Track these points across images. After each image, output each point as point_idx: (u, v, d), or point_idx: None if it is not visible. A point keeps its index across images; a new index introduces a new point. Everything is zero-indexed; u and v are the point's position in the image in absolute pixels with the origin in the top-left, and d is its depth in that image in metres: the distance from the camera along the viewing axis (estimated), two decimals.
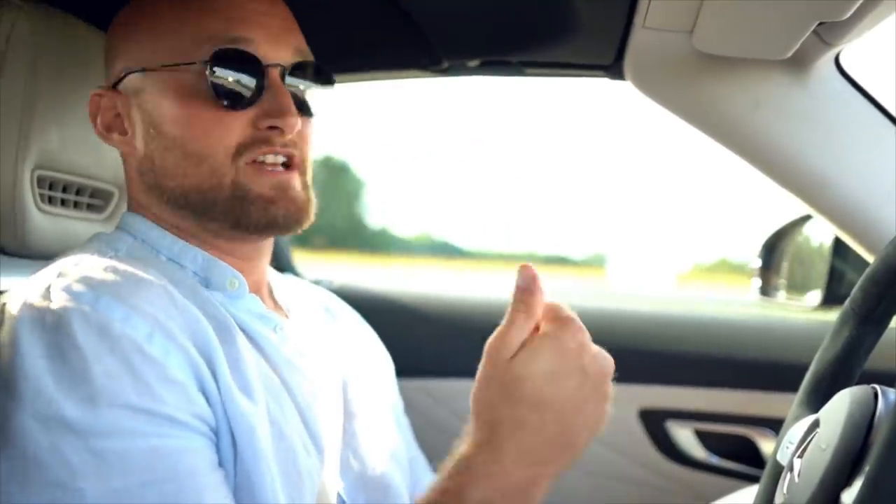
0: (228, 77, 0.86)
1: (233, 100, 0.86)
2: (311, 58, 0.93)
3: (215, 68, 0.85)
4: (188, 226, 0.90)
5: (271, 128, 0.87)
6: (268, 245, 0.96)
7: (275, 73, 0.88)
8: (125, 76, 0.90)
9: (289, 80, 0.89)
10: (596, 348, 0.78)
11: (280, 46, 0.89)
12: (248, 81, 0.86)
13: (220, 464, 0.78)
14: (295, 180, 0.89)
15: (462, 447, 0.77)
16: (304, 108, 0.91)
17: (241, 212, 0.87)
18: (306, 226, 0.91)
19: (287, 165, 0.89)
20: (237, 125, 0.87)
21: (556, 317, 0.78)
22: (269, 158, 0.88)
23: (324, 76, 0.93)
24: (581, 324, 0.78)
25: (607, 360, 0.78)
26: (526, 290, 0.78)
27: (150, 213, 0.92)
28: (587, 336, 0.78)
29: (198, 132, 0.87)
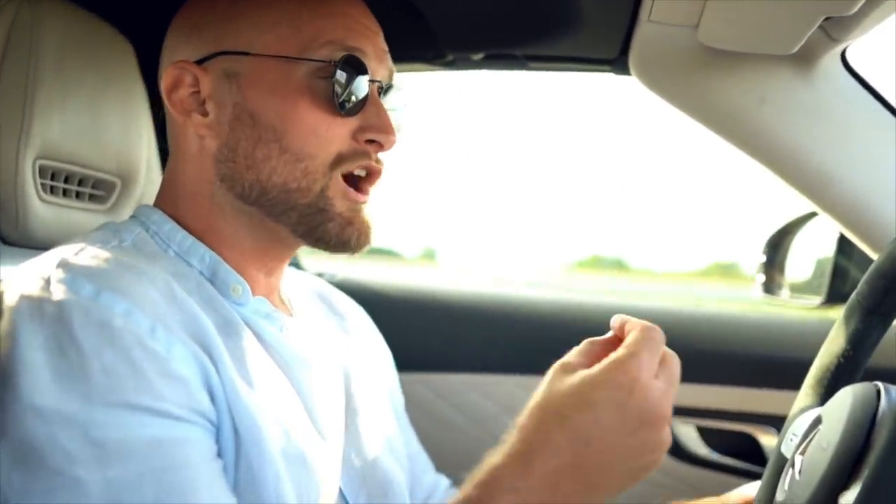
0: (344, 83, 0.85)
1: (345, 106, 0.86)
2: (394, 83, 0.94)
3: (337, 71, 0.85)
4: (240, 223, 0.89)
5: (369, 141, 0.87)
6: (295, 252, 0.96)
7: (374, 89, 0.89)
8: (217, 55, 0.87)
9: (383, 98, 0.91)
10: (656, 388, 0.71)
11: (381, 64, 0.90)
12: (359, 92, 0.86)
13: (220, 457, 0.77)
14: (367, 205, 0.90)
15: (495, 456, 0.73)
16: None
17: (319, 224, 0.87)
18: (368, 249, 0.91)
19: (367, 181, 0.89)
20: (341, 132, 0.86)
21: (625, 344, 0.73)
22: (358, 171, 0.88)
23: (403, 99, 0.95)
24: (648, 357, 0.71)
25: (662, 403, 0.71)
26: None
27: (185, 204, 0.90)
28: (647, 371, 0.71)
29: (303, 130, 0.85)
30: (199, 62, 0.88)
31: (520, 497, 0.70)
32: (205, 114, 0.88)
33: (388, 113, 0.91)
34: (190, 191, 0.90)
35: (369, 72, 0.88)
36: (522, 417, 0.73)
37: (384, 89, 0.91)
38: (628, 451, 0.71)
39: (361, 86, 0.87)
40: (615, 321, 0.77)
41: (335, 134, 0.86)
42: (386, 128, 0.88)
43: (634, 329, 0.74)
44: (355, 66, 0.86)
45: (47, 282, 0.74)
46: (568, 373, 0.73)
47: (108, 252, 0.80)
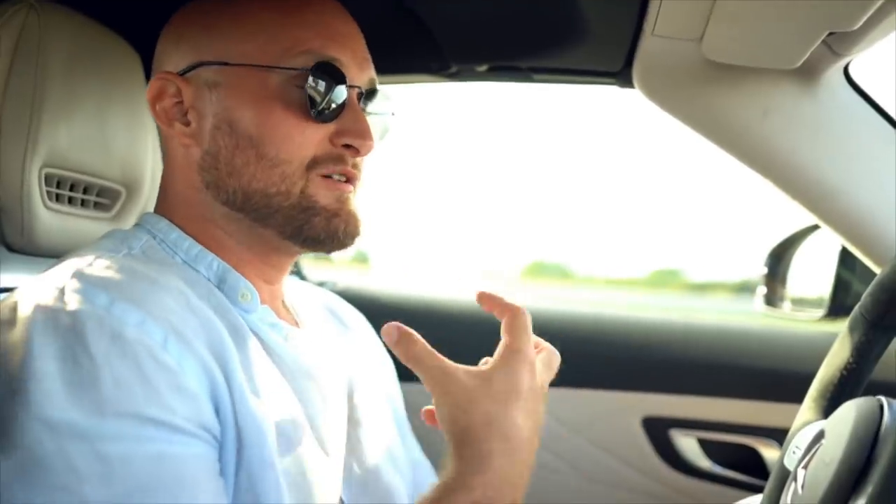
0: (321, 90, 0.87)
1: (320, 112, 0.87)
2: (377, 87, 0.95)
3: (311, 79, 0.86)
4: (232, 230, 0.90)
5: (346, 146, 0.89)
6: (294, 259, 0.97)
7: (354, 95, 0.90)
8: (198, 66, 0.89)
9: (363, 104, 0.92)
10: (540, 371, 0.84)
11: (361, 71, 0.92)
12: (336, 98, 0.88)
13: (221, 472, 0.77)
14: (352, 195, 0.91)
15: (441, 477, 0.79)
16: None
17: (304, 222, 0.88)
18: (358, 243, 0.92)
19: (348, 183, 0.91)
20: (316, 137, 0.88)
21: (508, 342, 0.83)
22: (336, 177, 0.89)
23: (388, 106, 0.96)
24: (529, 344, 0.83)
25: (544, 374, 0.85)
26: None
27: (184, 212, 0.91)
28: (532, 358, 0.83)
29: (278, 137, 0.87)
30: (183, 73, 0.90)
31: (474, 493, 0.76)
32: (187, 123, 0.90)
33: (372, 118, 0.93)
34: (183, 199, 0.92)
35: (347, 78, 0.89)
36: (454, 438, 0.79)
37: (365, 95, 0.92)
38: (533, 421, 0.81)
39: (337, 92, 0.88)
40: (479, 298, 0.87)
41: (310, 139, 0.88)
42: (362, 133, 0.89)
43: (507, 315, 0.83)
44: (331, 74, 0.87)
45: (62, 292, 0.75)
46: (471, 378, 0.80)
47: (121, 261, 0.80)
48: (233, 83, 0.88)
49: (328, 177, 0.89)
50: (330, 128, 0.89)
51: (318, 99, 0.87)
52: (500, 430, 0.77)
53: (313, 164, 0.88)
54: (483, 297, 0.86)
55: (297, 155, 0.87)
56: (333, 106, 0.88)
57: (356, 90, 0.90)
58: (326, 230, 0.89)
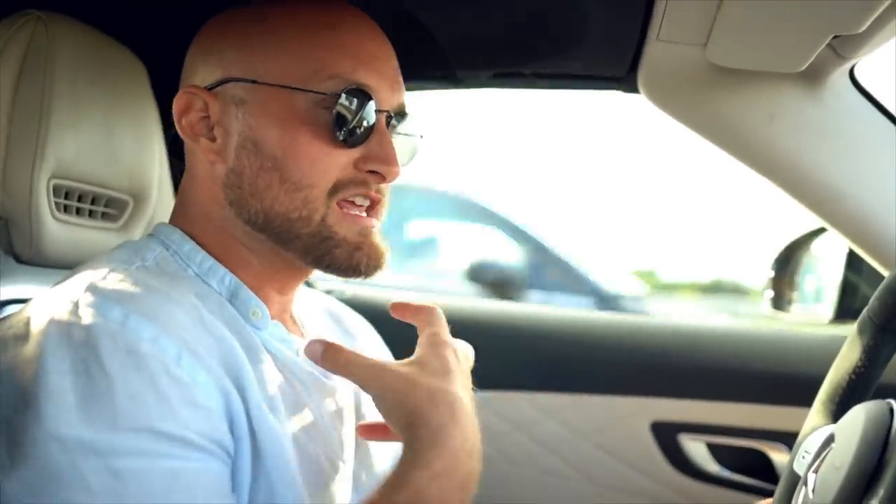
0: (349, 115, 0.86)
1: (347, 137, 0.86)
2: (407, 110, 0.94)
3: (339, 104, 0.85)
4: (254, 248, 0.89)
5: (371, 172, 0.88)
6: (310, 273, 0.96)
7: (382, 119, 0.89)
8: (226, 81, 0.88)
9: (392, 127, 0.91)
10: (457, 351, 0.86)
11: (392, 95, 0.90)
12: (363, 124, 0.86)
13: (234, 489, 0.77)
14: (376, 227, 0.90)
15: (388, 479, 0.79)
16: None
17: (325, 252, 0.87)
18: (381, 273, 0.91)
19: (370, 210, 0.90)
20: (341, 162, 0.87)
21: (423, 335, 0.86)
22: (359, 200, 0.88)
23: (417, 128, 0.95)
24: (445, 334, 0.86)
25: (460, 356, 0.86)
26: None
27: (201, 226, 0.90)
28: (450, 346, 0.85)
29: (303, 160, 0.86)
30: (211, 87, 0.89)
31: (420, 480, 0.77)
32: (213, 139, 0.89)
33: (400, 139, 0.91)
34: (203, 212, 0.91)
35: (377, 102, 0.87)
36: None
37: (394, 117, 0.91)
38: (470, 396, 0.83)
39: (365, 117, 0.86)
40: (391, 309, 0.90)
41: (335, 163, 0.86)
42: (388, 159, 0.88)
43: (421, 314, 0.87)
44: (359, 99, 0.86)
45: (76, 305, 0.75)
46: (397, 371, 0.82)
47: (135, 274, 0.80)
48: (260, 102, 0.87)
49: (350, 202, 0.88)
50: (355, 153, 0.87)
51: (346, 124, 0.85)
52: (446, 403, 0.79)
53: (336, 188, 0.87)
54: (395, 307, 0.89)
55: (321, 179, 0.86)
56: (360, 131, 0.86)
57: (384, 114, 0.89)
58: (349, 262, 0.88)
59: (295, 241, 0.87)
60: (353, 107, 0.86)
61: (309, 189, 0.86)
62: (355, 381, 0.83)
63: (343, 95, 0.85)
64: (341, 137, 0.86)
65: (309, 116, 0.86)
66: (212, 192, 0.90)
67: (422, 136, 0.96)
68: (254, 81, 0.87)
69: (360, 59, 0.88)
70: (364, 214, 0.89)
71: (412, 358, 0.83)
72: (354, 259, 0.88)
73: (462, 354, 0.87)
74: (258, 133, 0.87)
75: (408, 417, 0.79)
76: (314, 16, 0.89)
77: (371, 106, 0.87)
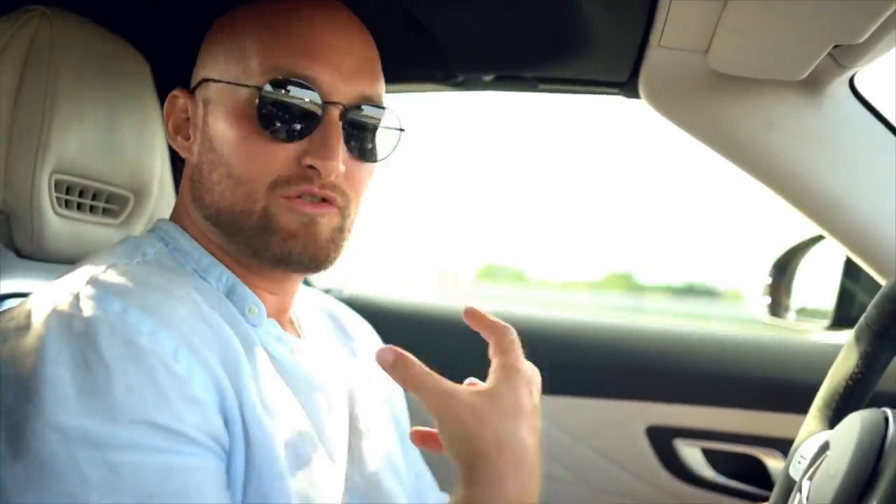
0: (280, 108, 0.84)
1: (279, 132, 0.85)
2: (380, 101, 0.91)
3: (268, 96, 0.84)
4: (219, 243, 0.90)
5: (311, 167, 0.85)
6: (294, 277, 0.94)
7: (333, 112, 0.86)
8: (201, 83, 0.91)
9: (350, 120, 0.87)
10: (534, 383, 0.81)
11: (347, 86, 0.87)
12: (301, 116, 0.85)
13: (229, 485, 0.77)
14: (324, 218, 0.87)
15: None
16: (363, 152, 0.89)
17: (260, 242, 0.86)
18: (326, 268, 0.89)
19: (322, 204, 0.87)
20: (281, 157, 0.85)
21: (500, 362, 0.80)
22: (306, 198, 0.86)
23: (389, 121, 0.91)
24: (520, 361, 0.80)
25: (535, 390, 0.80)
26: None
27: (190, 222, 0.92)
28: (526, 374, 0.80)
29: (242, 156, 0.86)
30: (193, 89, 0.92)
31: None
32: (187, 137, 0.92)
33: (383, 132, 0.90)
34: (186, 210, 0.93)
35: (324, 94, 0.85)
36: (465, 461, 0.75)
37: (353, 110, 0.87)
38: (536, 438, 0.78)
39: (303, 111, 0.85)
40: (467, 314, 0.83)
41: (275, 158, 0.85)
42: (327, 153, 0.84)
43: (496, 335, 0.81)
44: (295, 91, 0.85)
45: (76, 298, 0.75)
46: (471, 397, 0.76)
47: (135, 269, 0.81)
48: (217, 99, 0.89)
49: (298, 197, 0.86)
50: (299, 147, 0.85)
51: (276, 118, 0.84)
52: (511, 450, 0.74)
53: (277, 184, 0.85)
54: (470, 314, 0.83)
55: (262, 174, 0.85)
56: (297, 125, 0.85)
57: (337, 107, 0.86)
58: (281, 250, 0.86)
59: (239, 233, 0.87)
60: (286, 99, 0.84)
61: (249, 184, 0.86)
62: (421, 400, 0.77)
63: (269, 87, 0.84)
64: (277, 132, 0.84)
65: (248, 112, 0.85)
66: (186, 189, 0.93)
67: (402, 130, 0.93)
68: (214, 80, 0.89)
69: (308, 50, 0.86)
70: (313, 203, 0.86)
71: (484, 387, 0.77)
72: (287, 247, 0.86)
73: (535, 386, 0.81)
74: (212, 130, 0.89)
75: (470, 457, 0.74)
76: (278, 11, 0.89)
77: (313, 98, 0.85)
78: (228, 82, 0.88)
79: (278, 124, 0.85)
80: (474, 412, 0.75)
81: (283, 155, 0.85)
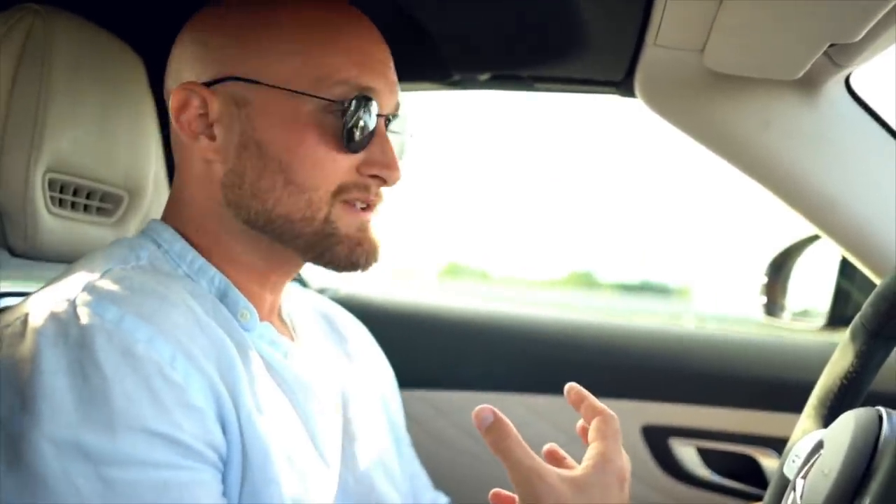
0: (355, 121, 0.86)
1: (353, 143, 0.86)
2: (402, 110, 0.94)
3: (350, 111, 0.85)
4: (250, 247, 0.89)
5: (373, 176, 0.88)
6: (302, 266, 0.96)
7: (381, 123, 0.89)
8: (227, 79, 0.87)
9: (389, 129, 0.91)
10: (626, 469, 0.78)
11: (391, 98, 0.90)
12: (367, 129, 0.87)
13: (225, 493, 0.77)
14: (373, 222, 0.90)
15: None
16: None
17: (326, 248, 0.87)
18: (377, 266, 0.92)
19: (369, 209, 0.90)
20: (345, 166, 0.87)
21: (599, 448, 0.77)
22: (359, 204, 0.89)
23: (407, 126, 0.95)
24: (618, 450, 0.78)
25: (626, 474, 0.78)
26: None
27: (195, 224, 0.90)
28: (621, 463, 0.77)
29: (308, 164, 0.85)
30: (209, 84, 0.87)
31: None
32: (212, 137, 0.88)
33: (392, 137, 0.91)
34: (198, 211, 0.90)
35: (378, 107, 0.88)
36: None
37: (390, 120, 0.91)
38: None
39: (370, 123, 0.87)
40: (571, 393, 0.83)
41: (339, 167, 0.87)
42: (390, 164, 0.88)
43: (599, 419, 0.79)
44: (365, 105, 0.86)
45: (72, 304, 0.75)
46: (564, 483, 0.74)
47: (131, 274, 0.80)
48: (264, 103, 0.86)
49: (351, 204, 0.88)
50: (358, 157, 0.87)
51: (351, 130, 0.86)
52: None
53: (339, 191, 0.87)
54: (575, 393, 0.83)
55: (325, 182, 0.86)
56: (363, 136, 0.87)
57: (383, 118, 0.89)
58: (349, 258, 0.88)
59: (296, 239, 0.87)
60: (360, 113, 0.86)
61: (313, 191, 0.86)
62: (508, 472, 0.74)
63: (353, 102, 0.85)
64: (348, 144, 0.86)
65: (315, 121, 0.85)
66: (208, 191, 0.89)
67: (412, 135, 0.96)
68: (258, 82, 0.86)
69: (365, 63, 0.88)
70: (362, 210, 0.89)
71: (577, 475, 0.75)
72: (355, 255, 0.89)
73: (627, 482, 0.78)
74: (262, 135, 0.86)
75: None
76: (317, 16, 0.88)
77: (374, 110, 0.87)
78: (288, 89, 0.85)
79: (352, 138, 0.86)
80: (559, 497, 0.72)
81: (346, 164, 0.87)
